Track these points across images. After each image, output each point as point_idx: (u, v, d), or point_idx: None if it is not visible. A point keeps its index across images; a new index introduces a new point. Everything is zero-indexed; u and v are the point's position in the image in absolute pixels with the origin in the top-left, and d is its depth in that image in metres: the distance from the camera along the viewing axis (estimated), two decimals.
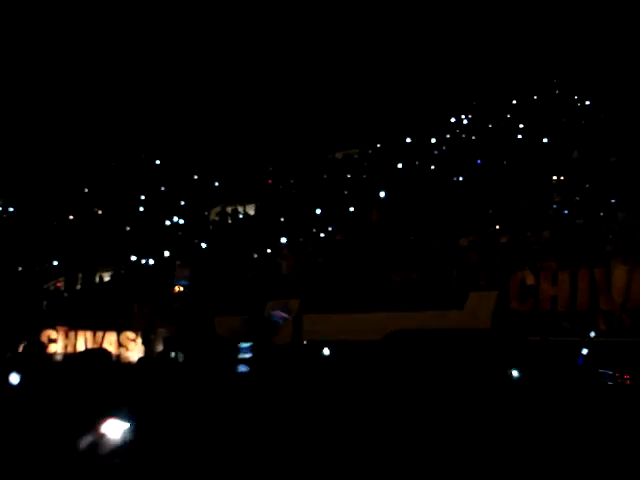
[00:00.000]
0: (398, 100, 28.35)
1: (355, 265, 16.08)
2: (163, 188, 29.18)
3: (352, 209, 20.78)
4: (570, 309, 12.50)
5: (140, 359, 10.75)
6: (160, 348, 16.19)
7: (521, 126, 22.98)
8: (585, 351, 8.38)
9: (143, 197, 28.24)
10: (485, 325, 12.92)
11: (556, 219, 14.79)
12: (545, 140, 20.48)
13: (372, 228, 18.44)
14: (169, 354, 14.03)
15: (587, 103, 22.71)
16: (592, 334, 11.17)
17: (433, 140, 24.49)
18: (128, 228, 25.45)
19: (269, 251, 19.35)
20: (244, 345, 11.77)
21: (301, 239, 19.33)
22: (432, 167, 22.14)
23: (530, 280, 13.06)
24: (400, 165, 23.01)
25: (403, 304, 14.27)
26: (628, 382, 8.75)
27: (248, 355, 11.66)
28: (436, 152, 23.49)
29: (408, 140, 25.68)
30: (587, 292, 12.31)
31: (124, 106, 31.71)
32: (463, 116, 26.86)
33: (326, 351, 11.60)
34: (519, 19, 26.57)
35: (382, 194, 20.64)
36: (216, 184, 28.46)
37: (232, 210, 25.14)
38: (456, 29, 27.71)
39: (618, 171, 16.28)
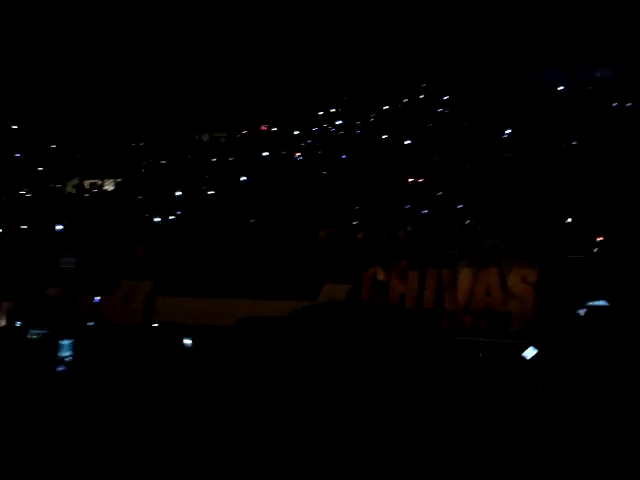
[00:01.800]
0: (269, 88, 28.32)
1: (212, 249, 16.01)
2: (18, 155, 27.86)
3: (213, 192, 20.62)
4: (417, 307, 12.98)
5: None
6: (3, 322, 15.60)
7: (387, 126, 23.49)
8: None
9: None
10: None
11: (411, 219, 15.25)
12: (408, 142, 21.02)
13: (233, 214, 18.40)
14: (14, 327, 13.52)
15: (447, 111, 23.45)
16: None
17: (296, 132, 24.66)
18: None
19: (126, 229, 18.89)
20: (65, 342, 11.16)
21: (159, 219, 18.99)
22: (298, 158, 22.29)
23: (381, 276, 13.47)
24: (266, 153, 23.02)
25: (258, 292, 14.34)
26: None
27: (68, 354, 11.09)
28: (302, 144, 23.65)
29: (275, 129, 25.74)
30: (434, 291, 12.84)
31: None
32: (332, 110, 27.14)
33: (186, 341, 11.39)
34: (390, 22, 27.11)
35: (243, 179, 20.61)
36: (74, 156, 27.45)
37: (90, 184, 24.39)
38: (331, 24, 27.94)
39: (472, 178, 16.98)
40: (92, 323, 12.66)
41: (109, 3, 29.02)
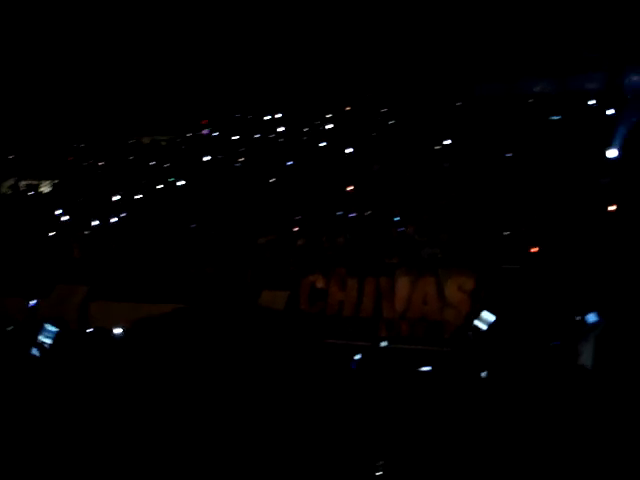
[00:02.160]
0: (212, 93, 28.17)
1: (150, 254, 15.85)
2: None
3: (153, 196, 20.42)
4: (355, 314, 13.06)
5: None
6: None
7: (329, 134, 23.57)
8: (358, 356, 8.78)
9: None
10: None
11: (350, 227, 15.33)
12: (350, 150, 21.13)
13: (173, 218, 18.24)
14: None
15: (389, 121, 23.66)
16: (384, 344, 11.70)
17: (237, 137, 24.60)
18: None
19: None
20: (50, 328, 11.03)
21: (97, 223, 18.71)
22: (238, 164, 22.21)
23: (321, 284, 13.51)
24: (207, 158, 22.89)
25: (196, 298, 14.22)
26: None
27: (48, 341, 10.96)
28: (243, 149, 23.58)
29: (216, 134, 25.62)
30: (372, 299, 12.93)
31: None
32: (277, 116, 27.10)
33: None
34: (335, 29, 27.25)
35: (180, 183, 20.48)
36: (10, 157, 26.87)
37: (26, 185, 23.90)
38: (273, 28, 27.96)
39: (411, 187, 17.16)
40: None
41: None
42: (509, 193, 15.85)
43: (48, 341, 10.84)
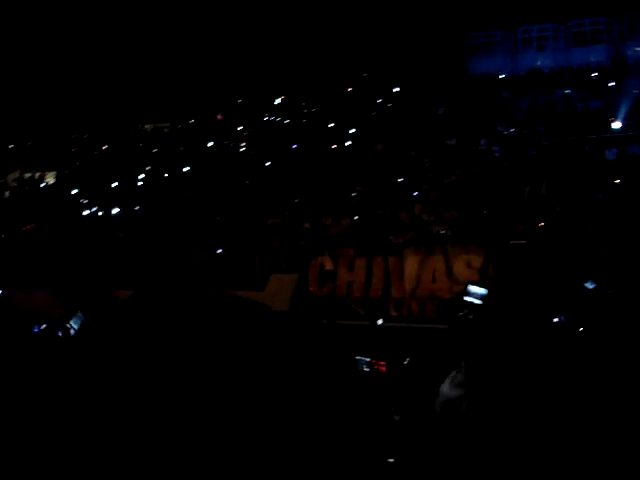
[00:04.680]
0: (214, 78, 28.11)
1: (157, 241, 15.83)
2: None
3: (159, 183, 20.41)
4: (365, 295, 13.04)
5: None
6: None
7: (332, 115, 23.53)
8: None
9: None
10: (284, 307, 13.19)
11: (357, 208, 15.30)
12: (352, 130, 21.10)
13: (181, 205, 18.23)
14: None
15: (391, 101, 23.61)
16: (380, 321, 11.70)
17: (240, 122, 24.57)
18: None
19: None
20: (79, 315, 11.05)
21: (102, 212, 18.73)
22: (242, 148, 22.19)
23: (329, 265, 13.47)
24: (211, 143, 22.86)
25: (206, 283, 14.22)
26: (383, 369, 9.25)
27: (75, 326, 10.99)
28: (246, 134, 23.55)
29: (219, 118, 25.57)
30: (381, 279, 12.90)
31: None
32: (278, 100, 27.07)
33: None
34: (337, 15, 27.19)
35: (186, 169, 20.44)
36: (11, 146, 26.86)
37: (29, 177, 23.90)
38: (275, 14, 27.87)
39: (418, 166, 17.13)
40: None
41: None
42: (515, 168, 15.83)
43: (75, 326, 10.84)
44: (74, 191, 20.96)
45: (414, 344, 10.91)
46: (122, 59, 28.78)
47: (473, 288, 5.11)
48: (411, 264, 12.66)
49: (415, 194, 15.22)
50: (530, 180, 14.83)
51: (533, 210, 13.37)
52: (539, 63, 26.24)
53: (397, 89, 24.16)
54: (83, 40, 28.80)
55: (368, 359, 9.36)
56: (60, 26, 28.50)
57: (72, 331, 9.72)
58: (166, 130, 25.88)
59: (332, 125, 22.07)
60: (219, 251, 14.82)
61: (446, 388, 4.72)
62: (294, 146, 21.12)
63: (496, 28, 28.24)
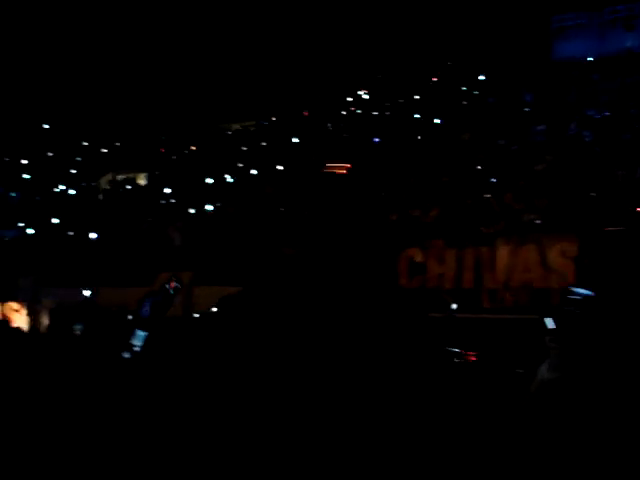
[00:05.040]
0: (297, 73, 28.28)
1: (246, 238, 16.07)
2: (50, 154, 28.22)
3: (246, 181, 20.71)
4: (456, 287, 12.92)
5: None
6: (46, 321, 15.81)
7: (418, 106, 23.39)
8: None
9: (26, 162, 27.28)
10: None
11: (445, 198, 15.17)
12: (438, 121, 20.91)
13: (265, 201, 18.44)
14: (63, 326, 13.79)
15: (475, 89, 23.29)
16: (454, 306, 11.60)
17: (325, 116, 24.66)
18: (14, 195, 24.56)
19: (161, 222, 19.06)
20: (140, 334, 11.61)
21: (193, 211, 19.14)
22: (327, 143, 22.26)
23: (419, 257, 13.40)
24: (296, 140, 23.04)
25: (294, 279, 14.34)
26: (473, 359, 9.15)
27: (139, 344, 11.52)
28: (330, 128, 23.62)
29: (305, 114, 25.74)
30: (472, 270, 12.76)
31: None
32: (361, 93, 27.06)
33: None
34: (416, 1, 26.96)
35: (279, 167, 20.67)
36: (105, 151, 27.70)
37: (123, 179, 24.60)
38: (356, 6, 27.83)
39: (507, 154, 16.85)
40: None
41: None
42: (607, 152, 15.39)
43: (138, 344, 11.32)
44: (167, 190, 21.50)
45: (508, 335, 10.80)
46: (208, 59, 29.28)
47: (578, 290, 5.08)
48: (503, 254, 12.48)
49: (503, 182, 14.98)
50: (624, 164, 14.38)
51: (628, 195, 12.98)
52: (628, 44, 25.40)
53: (482, 77, 23.80)
54: (169, 41, 29.44)
55: (458, 350, 9.32)
56: (149, 28, 29.22)
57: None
58: (252, 129, 26.21)
59: (417, 116, 21.94)
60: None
61: (544, 370, 4.69)
62: (376, 139, 21.07)
63: (582, 10, 27.45)
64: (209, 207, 18.89)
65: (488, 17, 25.48)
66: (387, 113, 23.69)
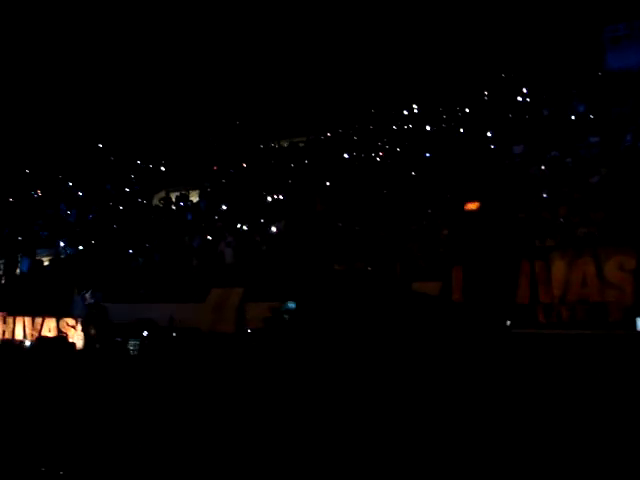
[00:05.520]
0: (346, 91, 28.37)
1: (298, 254, 16.07)
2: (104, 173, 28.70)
3: (296, 198, 20.76)
4: (511, 300, 12.69)
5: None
6: (101, 336, 16.00)
7: (465, 121, 23.24)
8: None
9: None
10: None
11: (496, 212, 14.98)
12: (489, 134, 20.74)
13: (316, 218, 18.45)
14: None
15: (529, 100, 23.06)
16: (508, 323, 11.40)
17: (376, 131, 24.63)
18: (69, 212, 25.04)
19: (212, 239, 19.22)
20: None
21: (245, 227, 19.25)
22: (377, 158, 22.24)
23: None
24: (346, 155, 23.05)
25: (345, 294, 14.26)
26: None
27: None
28: (379, 143, 23.58)
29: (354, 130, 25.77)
30: (527, 285, 12.54)
31: (63, 89, 31.01)
32: (414, 107, 26.98)
33: None
34: (469, 13, 26.84)
35: (327, 183, 20.66)
36: (162, 169, 28.10)
37: (176, 196, 24.87)
38: (407, 19, 27.83)
39: (559, 167, 16.61)
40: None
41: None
42: None
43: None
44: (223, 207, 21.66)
45: (564, 351, 10.57)
46: (261, 78, 29.57)
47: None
48: (559, 268, 12.24)
49: (557, 196, 14.74)
50: None
51: None
52: None
53: (535, 89, 23.57)
54: (222, 62, 29.81)
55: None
56: (203, 49, 29.64)
57: None
58: (302, 145, 26.30)
59: (466, 131, 21.79)
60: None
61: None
62: (427, 154, 20.98)
63: (634, 20, 27.03)
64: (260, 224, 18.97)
65: (541, 29, 25.24)
66: (443, 125, 23.59)
